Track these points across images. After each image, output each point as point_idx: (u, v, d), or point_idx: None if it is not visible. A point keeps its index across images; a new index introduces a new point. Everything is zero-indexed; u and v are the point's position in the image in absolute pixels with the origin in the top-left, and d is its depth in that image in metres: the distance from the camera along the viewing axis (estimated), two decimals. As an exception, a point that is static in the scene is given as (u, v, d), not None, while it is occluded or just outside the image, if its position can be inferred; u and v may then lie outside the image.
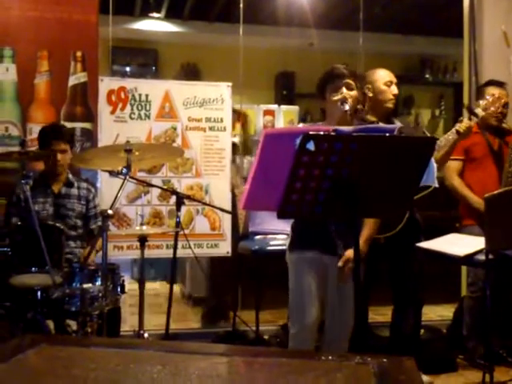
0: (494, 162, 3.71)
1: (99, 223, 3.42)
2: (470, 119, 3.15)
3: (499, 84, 3.73)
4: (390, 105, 3.14)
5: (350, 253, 2.44)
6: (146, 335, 2.97)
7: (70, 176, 3.51)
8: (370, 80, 3.15)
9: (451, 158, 3.47)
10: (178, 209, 3.26)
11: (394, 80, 3.17)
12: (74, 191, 3.49)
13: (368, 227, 2.60)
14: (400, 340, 3.20)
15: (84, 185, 3.54)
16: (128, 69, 7.33)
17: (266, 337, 3.99)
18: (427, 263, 3.29)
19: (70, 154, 3.45)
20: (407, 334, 3.16)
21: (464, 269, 4.30)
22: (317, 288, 2.57)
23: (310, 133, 1.74)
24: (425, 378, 3.22)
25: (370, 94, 3.14)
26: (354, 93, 2.54)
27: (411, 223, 3.06)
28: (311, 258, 2.57)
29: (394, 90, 3.14)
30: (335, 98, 2.51)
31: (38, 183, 3.43)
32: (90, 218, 3.53)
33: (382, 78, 3.15)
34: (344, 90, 2.52)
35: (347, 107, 2.44)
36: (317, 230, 2.52)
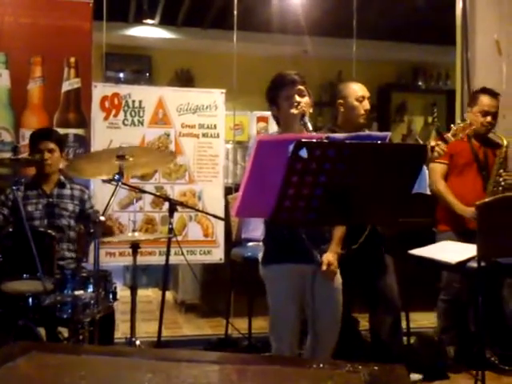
0: (478, 170, 3.74)
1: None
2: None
3: (493, 94, 3.76)
4: (361, 120, 3.13)
5: (328, 256, 2.56)
6: (137, 342, 2.95)
7: (62, 178, 3.50)
8: (342, 95, 3.16)
9: (437, 161, 3.49)
10: (171, 215, 3.25)
11: (367, 95, 3.15)
12: (67, 191, 3.48)
13: (338, 230, 2.65)
14: (379, 346, 3.21)
15: (77, 186, 3.53)
16: (122, 75, 7.33)
17: (258, 344, 3.98)
18: (418, 270, 3.31)
19: (59, 156, 3.45)
20: (385, 341, 3.17)
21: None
22: (294, 301, 2.57)
23: (303, 140, 1.74)
24: (415, 376, 3.25)
25: (342, 110, 3.16)
26: (306, 99, 2.55)
27: (372, 236, 3.06)
28: (286, 270, 2.55)
29: (366, 105, 3.13)
30: (294, 111, 2.51)
31: (30, 186, 3.43)
32: (89, 216, 3.50)
33: (354, 93, 3.13)
34: (297, 97, 2.54)
35: (309, 125, 2.43)
36: (289, 241, 2.53)
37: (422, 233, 3.79)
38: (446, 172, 3.77)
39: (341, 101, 3.16)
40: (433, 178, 3.72)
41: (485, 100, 3.72)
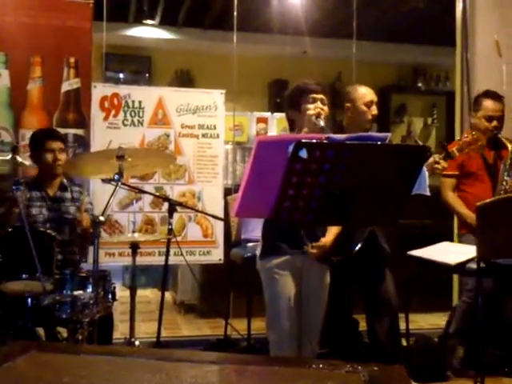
0: (489, 176, 3.69)
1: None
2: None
3: (497, 97, 3.68)
4: (367, 125, 3.10)
5: (321, 240, 2.65)
6: (136, 343, 2.95)
7: (65, 180, 3.50)
8: (351, 98, 3.11)
9: (445, 173, 3.47)
10: (171, 216, 3.25)
11: (375, 99, 3.10)
12: (68, 194, 3.47)
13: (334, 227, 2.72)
14: (376, 347, 3.20)
15: (76, 188, 3.53)
16: (121, 75, 7.34)
17: (257, 345, 3.98)
18: (418, 271, 3.30)
19: (66, 156, 3.45)
20: (382, 341, 3.16)
21: (456, 277, 4.30)
22: (291, 291, 2.63)
23: (303, 140, 1.74)
24: None
25: (349, 114, 3.13)
26: (326, 108, 2.66)
27: (372, 239, 3.03)
28: (283, 261, 2.64)
29: (374, 110, 3.08)
30: (311, 112, 2.59)
31: (33, 187, 3.41)
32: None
33: (363, 97, 3.08)
34: (319, 103, 2.64)
35: (322, 123, 2.52)
36: (287, 235, 2.62)
37: (421, 234, 3.80)
38: (455, 184, 3.74)
39: (348, 104, 3.11)
40: (441, 190, 3.71)
41: (488, 104, 3.65)
